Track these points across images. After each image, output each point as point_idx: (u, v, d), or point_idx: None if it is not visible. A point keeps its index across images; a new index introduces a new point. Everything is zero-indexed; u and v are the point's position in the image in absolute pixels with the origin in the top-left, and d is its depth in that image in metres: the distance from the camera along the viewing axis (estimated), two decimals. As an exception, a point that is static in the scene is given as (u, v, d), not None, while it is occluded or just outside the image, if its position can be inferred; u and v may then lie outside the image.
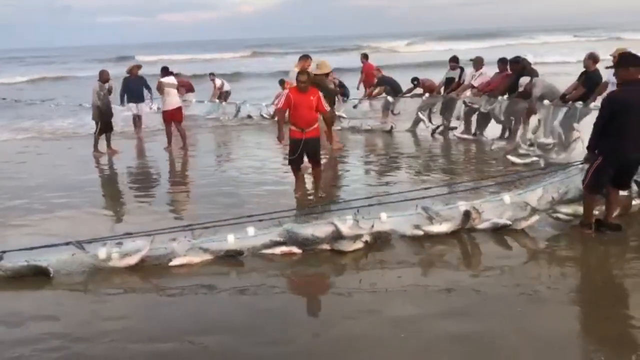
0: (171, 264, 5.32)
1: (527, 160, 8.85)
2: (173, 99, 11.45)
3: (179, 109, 11.59)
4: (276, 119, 7.58)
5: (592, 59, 8.57)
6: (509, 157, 9.10)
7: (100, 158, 11.04)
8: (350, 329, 4.12)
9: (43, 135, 14.33)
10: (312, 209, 6.52)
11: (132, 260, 5.28)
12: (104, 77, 11.28)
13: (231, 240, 5.43)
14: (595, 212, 5.75)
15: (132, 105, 13.77)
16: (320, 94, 7.56)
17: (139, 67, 14.32)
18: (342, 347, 3.92)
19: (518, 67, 10.35)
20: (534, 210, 5.85)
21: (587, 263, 5.29)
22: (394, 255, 5.43)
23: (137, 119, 13.99)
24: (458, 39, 60.58)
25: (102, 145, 11.40)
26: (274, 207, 6.82)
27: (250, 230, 5.56)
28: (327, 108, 7.72)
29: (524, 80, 9.80)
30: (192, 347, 3.97)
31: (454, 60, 12.37)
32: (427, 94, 12.44)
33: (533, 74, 10.11)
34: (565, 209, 5.91)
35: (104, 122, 11.21)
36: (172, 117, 11.42)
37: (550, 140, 8.94)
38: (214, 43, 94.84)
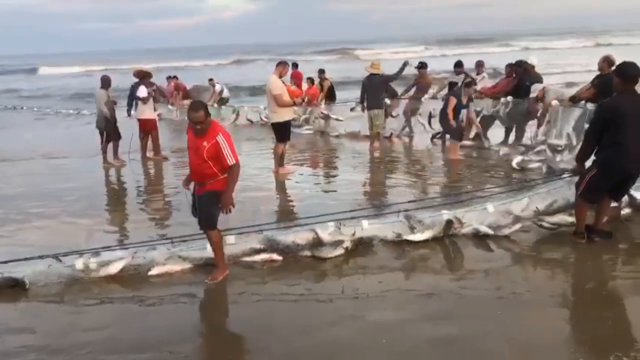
0: (150, 273, 5.25)
1: (530, 165, 8.80)
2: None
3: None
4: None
5: (607, 61, 8.38)
6: (513, 163, 9.04)
7: (110, 169, 10.72)
8: (332, 335, 4.11)
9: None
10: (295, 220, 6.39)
11: (112, 270, 5.21)
12: (107, 84, 11.03)
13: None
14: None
15: (134, 112, 12.01)
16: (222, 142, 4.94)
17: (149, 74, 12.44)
18: (324, 353, 3.90)
19: (520, 70, 10.43)
20: (518, 219, 5.86)
21: (569, 267, 5.31)
22: (376, 261, 5.43)
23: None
24: (444, 45, 61.19)
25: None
26: (254, 214, 6.83)
27: (231, 238, 5.52)
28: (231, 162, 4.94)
29: (537, 86, 9.81)
30: (171, 357, 3.91)
31: (459, 65, 12.42)
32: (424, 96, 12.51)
33: (537, 77, 10.16)
34: (551, 219, 5.87)
35: (112, 130, 10.93)
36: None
37: (561, 142, 8.84)
38: (193, 49, 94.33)
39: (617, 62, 6.99)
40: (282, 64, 9.39)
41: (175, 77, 19.95)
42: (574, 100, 8.80)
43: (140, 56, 62.05)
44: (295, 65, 17.19)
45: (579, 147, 7.80)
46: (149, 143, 11.44)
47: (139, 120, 11.42)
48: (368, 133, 12.73)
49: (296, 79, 16.49)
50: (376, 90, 11.34)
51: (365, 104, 11.51)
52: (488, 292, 4.64)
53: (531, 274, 5.09)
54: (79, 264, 5.16)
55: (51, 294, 4.98)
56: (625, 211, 6.10)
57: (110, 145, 11.03)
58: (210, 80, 18.54)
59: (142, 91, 11.35)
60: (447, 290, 4.72)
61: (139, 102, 11.41)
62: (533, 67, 10.35)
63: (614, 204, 5.83)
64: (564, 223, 5.83)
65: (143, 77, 11.55)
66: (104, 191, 9.43)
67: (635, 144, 5.14)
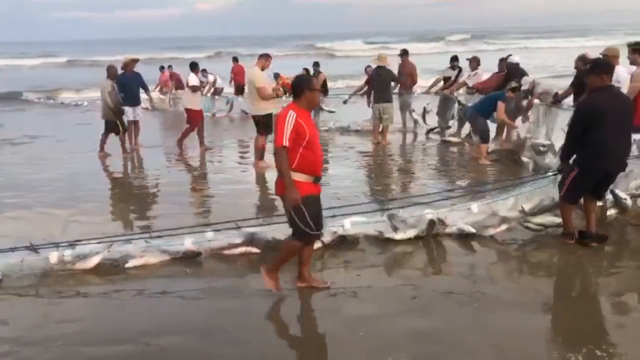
0: (127, 265, 5.20)
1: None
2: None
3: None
4: (277, 165, 4.29)
5: (582, 60, 8.50)
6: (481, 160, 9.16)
7: (121, 159, 10.60)
8: (310, 329, 4.12)
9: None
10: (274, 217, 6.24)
11: (88, 265, 5.14)
12: (112, 74, 10.71)
13: (188, 244, 5.35)
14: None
15: (128, 108, 11.00)
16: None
17: (135, 61, 11.41)
18: (302, 346, 3.91)
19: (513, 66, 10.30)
20: (504, 219, 5.81)
21: (550, 265, 5.30)
22: (357, 255, 5.43)
23: (133, 126, 11.36)
24: (420, 40, 61.30)
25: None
26: (232, 208, 6.81)
27: (209, 234, 5.48)
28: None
29: (527, 79, 9.79)
30: (148, 349, 3.88)
31: (455, 59, 12.50)
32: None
33: (523, 73, 10.06)
34: (536, 219, 5.80)
35: (118, 121, 10.67)
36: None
37: (545, 142, 8.88)
38: (172, 40, 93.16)
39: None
40: (264, 57, 9.35)
41: (170, 66, 19.86)
42: (556, 100, 8.89)
43: (117, 47, 61.14)
44: (235, 60, 18.64)
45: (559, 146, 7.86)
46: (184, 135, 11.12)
47: (188, 110, 11.09)
48: (359, 128, 12.80)
49: (237, 73, 17.67)
50: (384, 83, 11.22)
51: (372, 98, 11.39)
52: (466, 287, 4.66)
53: (511, 271, 5.13)
54: (54, 257, 5.07)
55: (25, 286, 4.90)
56: (611, 212, 5.99)
57: (112, 137, 10.78)
58: (204, 70, 18.41)
59: (194, 79, 11.06)
60: (426, 285, 4.73)
61: (187, 91, 11.06)
62: (517, 64, 10.36)
63: (598, 203, 5.73)
64: (550, 224, 5.75)
65: (127, 65, 11.10)
66: (80, 180, 9.29)
67: (614, 143, 5.14)
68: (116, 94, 10.61)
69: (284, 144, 4.19)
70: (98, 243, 5.26)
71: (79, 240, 5.29)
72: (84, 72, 32.00)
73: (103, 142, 10.79)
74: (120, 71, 10.95)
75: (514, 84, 9.28)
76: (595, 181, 5.33)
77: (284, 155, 4.20)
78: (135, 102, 11.20)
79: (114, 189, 8.79)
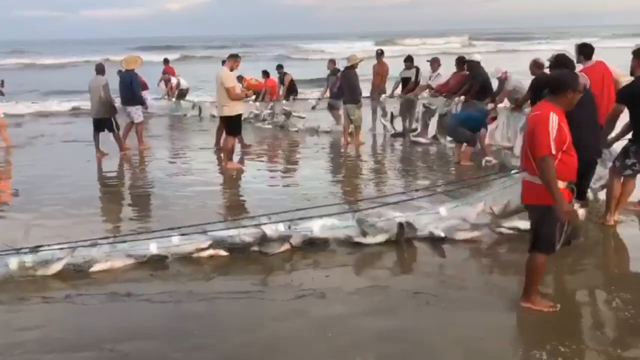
0: (92, 269, 5.09)
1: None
2: None
3: None
4: (545, 175, 3.88)
5: (536, 64, 8.65)
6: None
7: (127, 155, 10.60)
8: (278, 331, 4.08)
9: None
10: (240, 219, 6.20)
11: (50, 272, 5.02)
12: (102, 70, 10.70)
13: (154, 249, 5.27)
14: None
15: (131, 108, 11.11)
16: None
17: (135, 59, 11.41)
18: (269, 349, 3.88)
19: (474, 65, 10.14)
20: (475, 227, 5.76)
21: (517, 264, 5.03)
22: (326, 256, 5.41)
23: (128, 127, 11.33)
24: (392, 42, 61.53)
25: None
26: (201, 209, 6.75)
27: (175, 239, 5.39)
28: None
29: (500, 69, 9.81)
30: (112, 356, 3.81)
31: (409, 59, 12.43)
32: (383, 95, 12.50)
33: (485, 74, 9.95)
34: (509, 223, 5.74)
35: (113, 119, 10.61)
36: None
37: (509, 144, 8.88)
38: (140, 40, 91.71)
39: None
40: (233, 57, 9.29)
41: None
42: (517, 107, 8.98)
43: (84, 47, 60.03)
44: (166, 61, 19.00)
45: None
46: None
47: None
48: (328, 129, 12.78)
49: (168, 74, 18.16)
50: (353, 84, 11.17)
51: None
52: (435, 287, 4.67)
53: (479, 271, 5.17)
54: (13, 263, 4.94)
55: (-17, 293, 4.76)
56: (580, 212, 5.85)
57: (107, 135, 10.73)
58: (165, 74, 18.18)
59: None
60: (394, 285, 4.74)
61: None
62: (478, 62, 10.30)
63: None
64: (524, 228, 5.52)
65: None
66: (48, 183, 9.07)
67: (587, 134, 5.14)
68: (108, 89, 10.54)
69: (552, 152, 3.86)
70: (60, 249, 5.12)
71: (41, 246, 5.16)
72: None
73: (97, 141, 10.69)
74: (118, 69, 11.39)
75: (493, 114, 9.28)
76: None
77: (551, 164, 3.84)
78: (128, 101, 11.20)
79: (79, 191, 8.56)
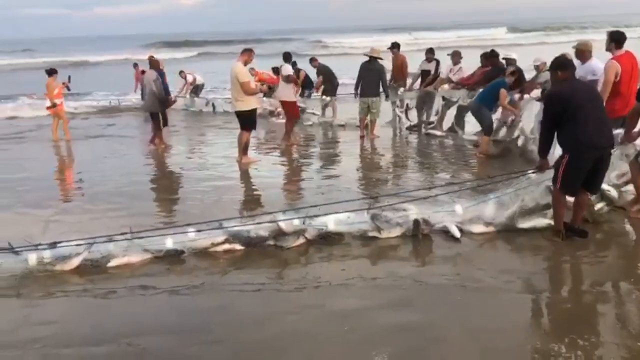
0: (110, 264, 5.14)
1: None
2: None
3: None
4: None
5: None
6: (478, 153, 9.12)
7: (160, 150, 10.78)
8: (293, 325, 4.08)
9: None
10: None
11: (68, 267, 5.06)
12: (156, 65, 10.87)
13: (170, 244, 5.30)
14: None
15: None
16: None
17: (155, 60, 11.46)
18: (285, 343, 3.87)
19: (496, 60, 10.33)
20: (489, 224, 5.70)
21: (535, 258, 5.20)
22: (342, 249, 5.40)
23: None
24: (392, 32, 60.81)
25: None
26: (216, 204, 6.76)
27: (191, 234, 5.40)
28: None
29: (539, 58, 9.74)
30: (129, 350, 3.83)
31: (431, 52, 12.36)
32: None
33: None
34: (524, 224, 5.67)
35: (162, 113, 10.85)
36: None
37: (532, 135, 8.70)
38: (153, 37, 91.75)
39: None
40: (247, 51, 9.26)
41: (135, 64, 19.63)
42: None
43: (95, 45, 60.39)
44: (136, 65, 18.92)
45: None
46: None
47: (283, 102, 11.02)
48: (342, 123, 12.71)
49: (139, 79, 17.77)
50: (375, 76, 11.00)
51: (359, 91, 11.19)
52: (450, 280, 4.65)
53: (496, 265, 5.07)
54: (32, 259, 4.99)
55: (4, 287, 4.82)
56: (599, 206, 5.90)
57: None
58: (181, 72, 18.22)
59: (289, 69, 10.96)
60: (410, 278, 4.72)
61: (282, 82, 10.94)
62: (515, 60, 10.13)
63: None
64: (540, 227, 5.62)
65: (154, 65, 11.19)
66: (60, 178, 9.19)
67: (593, 125, 5.08)
68: (161, 84, 10.69)
69: None
70: (77, 244, 5.16)
71: (59, 241, 5.21)
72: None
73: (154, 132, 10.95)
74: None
75: (512, 69, 9.23)
76: (589, 163, 5.14)
77: None
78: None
79: (94, 186, 8.64)
